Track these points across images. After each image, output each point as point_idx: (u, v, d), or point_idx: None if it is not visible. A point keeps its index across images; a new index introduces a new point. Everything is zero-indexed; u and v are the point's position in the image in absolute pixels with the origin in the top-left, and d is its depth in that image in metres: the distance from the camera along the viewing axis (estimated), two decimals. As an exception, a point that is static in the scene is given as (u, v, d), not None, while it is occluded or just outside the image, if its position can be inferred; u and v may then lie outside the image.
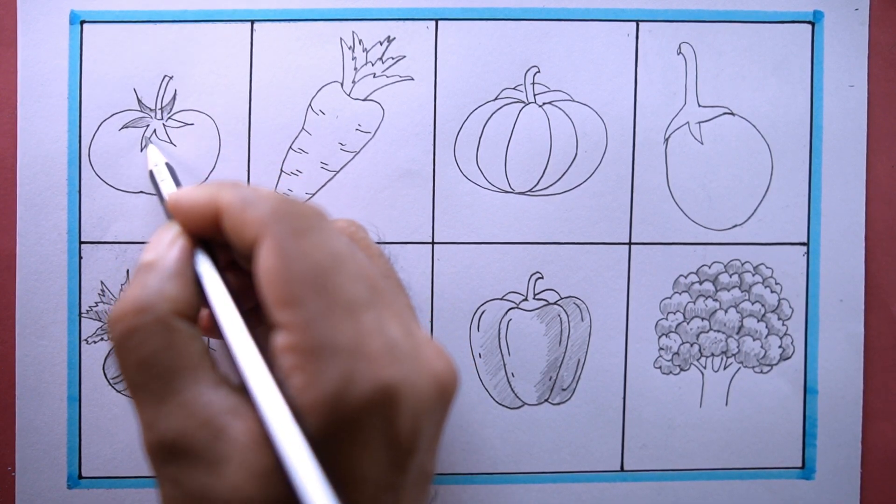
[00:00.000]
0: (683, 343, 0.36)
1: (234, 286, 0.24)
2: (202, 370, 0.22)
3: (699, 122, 0.35)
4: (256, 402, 0.21)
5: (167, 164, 0.32)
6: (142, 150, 0.34)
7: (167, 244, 0.24)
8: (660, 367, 0.36)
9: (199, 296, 0.23)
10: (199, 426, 0.21)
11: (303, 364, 0.20)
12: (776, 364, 0.36)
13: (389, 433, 0.21)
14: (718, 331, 0.36)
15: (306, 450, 0.19)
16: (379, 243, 0.35)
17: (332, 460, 0.20)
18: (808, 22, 0.35)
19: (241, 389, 0.22)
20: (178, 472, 0.21)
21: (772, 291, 0.36)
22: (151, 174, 0.33)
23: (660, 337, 0.36)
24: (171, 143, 0.34)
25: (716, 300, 0.36)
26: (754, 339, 0.36)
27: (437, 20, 0.35)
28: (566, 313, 0.36)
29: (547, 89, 0.35)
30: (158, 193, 0.32)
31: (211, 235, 0.24)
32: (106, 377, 0.34)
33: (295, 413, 0.20)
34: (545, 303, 0.35)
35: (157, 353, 0.21)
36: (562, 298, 0.36)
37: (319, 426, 0.20)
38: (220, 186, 0.23)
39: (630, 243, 0.35)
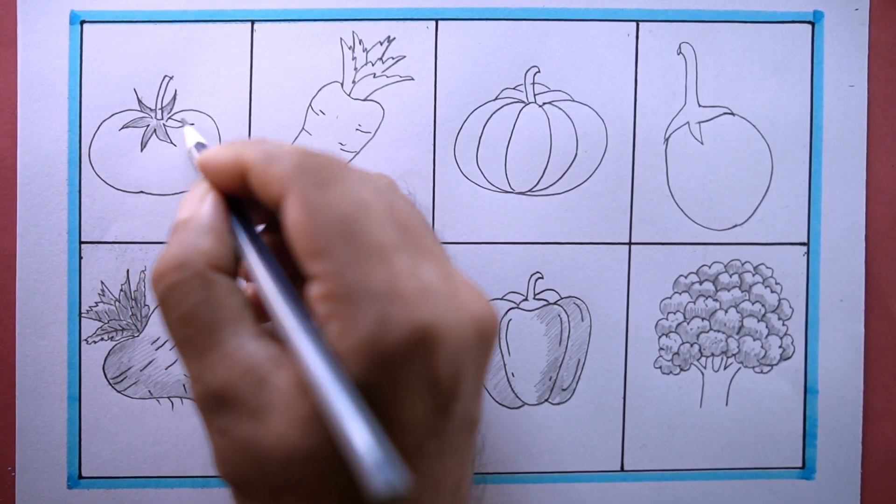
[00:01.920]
0: (683, 343, 0.36)
1: (275, 245, 0.25)
2: (242, 322, 0.22)
3: (699, 122, 0.35)
4: (292, 345, 0.21)
5: (203, 143, 0.32)
6: (142, 150, 0.34)
7: (198, 200, 0.24)
8: (660, 367, 0.36)
9: (235, 250, 0.24)
10: (241, 375, 0.21)
11: (337, 311, 0.20)
12: (776, 364, 0.36)
13: (430, 376, 0.20)
14: (718, 331, 0.36)
15: (343, 391, 0.19)
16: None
17: (374, 407, 0.20)
18: (808, 22, 0.35)
19: (283, 342, 0.22)
20: (225, 423, 0.21)
21: (772, 291, 0.36)
22: (191, 153, 0.33)
23: (660, 337, 0.36)
24: (172, 142, 0.34)
25: (716, 300, 0.36)
26: (754, 339, 0.36)
27: (437, 20, 0.35)
28: (566, 313, 0.36)
29: (547, 89, 0.35)
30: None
31: (243, 194, 0.24)
32: (106, 377, 0.34)
33: (335, 361, 0.20)
34: (545, 303, 0.35)
35: (198, 307, 0.22)
36: (562, 298, 0.36)
37: (359, 372, 0.20)
38: (245, 144, 0.24)
39: (630, 243, 0.35)
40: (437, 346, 0.20)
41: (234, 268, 0.24)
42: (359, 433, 0.18)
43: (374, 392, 0.20)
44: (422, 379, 0.20)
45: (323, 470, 0.20)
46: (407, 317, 0.20)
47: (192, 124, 0.34)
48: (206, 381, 0.22)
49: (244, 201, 0.25)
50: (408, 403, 0.20)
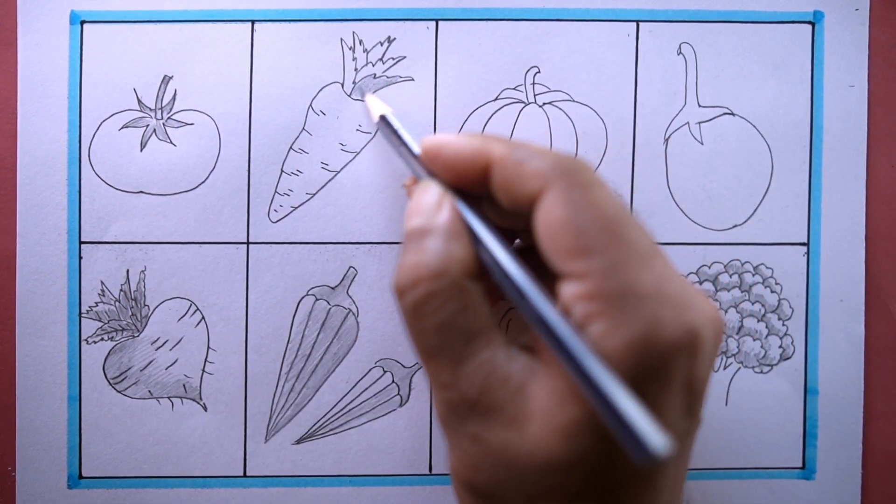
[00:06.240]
0: (683, 343, 0.36)
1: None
2: (495, 330, 0.22)
3: (699, 122, 0.35)
4: (567, 349, 0.20)
5: (387, 117, 0.31)
6: (142, 150, 0.34)
7: (434, 206, 0.23)
8: (660, 368, 0.36)
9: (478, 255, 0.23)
10: (500, 383, 0.21)
11: (605, 310, 0.20)
12: (776, 364, 0.36)
13: (689, 378, 0.21)
14: (718, 331, 0.36)
15: (618, 384, 0.19)
16: (381, 244, 0.35)
17: None
18: (809, 22, 0.35)
19: (527, 349, 0.22)
20: (479, 429, 0.21)
21: (772, 291, 0.36)
22: (384, 121, 0.31)
23: (660, 337, 0.36)
24: (171, 143, 0.34)
25: (716, 300, 0.36)
26: (754, 340, 0.36)
27: (437, 20, 0.35)
28: (566, 313, 0.35)
29: (547, 89, 0.35)
30: (399, 140, 0.29)
31: (472, 188, 0.24)
32: (106, 377, 0.34)
33: (604, 360, 0.20)
34: (545, 303, 0.35)
35: (456, 316, 0.22)
36: (562, 298, 0.35)
37: (626, 371, 0.20)
38: (486, 139, 0.23)
39: (630, 243, 0.35)
40: (700, 349, 0.21)
41: (482, 274, 0.23)
42: (631, 407, 0.18)
43: (637, 392, 0.20)
44: (682, 381, 0.21)
45: (581, 479, 0.20)
46: (677, 319, 0.20)
47: (374, 93, 0.32)
48: (462, 388, 0.22)
49: (475, 198, 0.24)
50: (667, 406, 0.20)
